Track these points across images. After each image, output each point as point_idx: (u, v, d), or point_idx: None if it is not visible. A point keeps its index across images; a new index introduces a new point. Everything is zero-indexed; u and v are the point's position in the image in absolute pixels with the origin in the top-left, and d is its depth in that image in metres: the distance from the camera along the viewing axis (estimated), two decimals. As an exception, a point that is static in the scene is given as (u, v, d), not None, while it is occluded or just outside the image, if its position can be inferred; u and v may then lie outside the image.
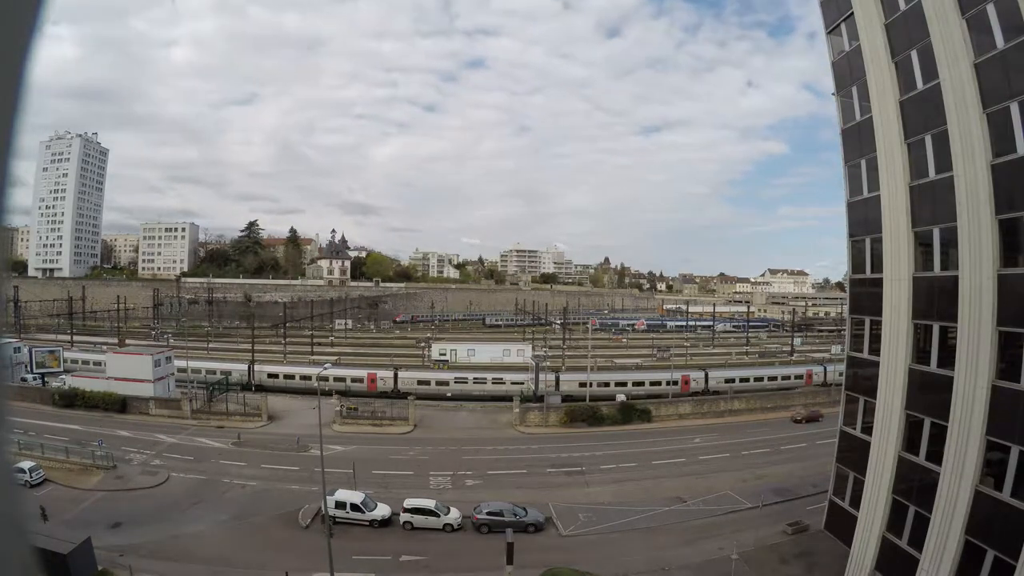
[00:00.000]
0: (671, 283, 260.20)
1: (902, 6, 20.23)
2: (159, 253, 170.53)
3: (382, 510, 29.11)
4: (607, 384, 56.82)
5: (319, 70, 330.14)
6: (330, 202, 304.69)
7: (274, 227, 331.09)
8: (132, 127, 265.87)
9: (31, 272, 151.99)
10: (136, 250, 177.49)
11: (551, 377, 55.49)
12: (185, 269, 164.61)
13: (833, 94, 25.22)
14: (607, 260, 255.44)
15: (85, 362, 60.24)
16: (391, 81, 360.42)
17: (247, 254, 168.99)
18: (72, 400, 48.18)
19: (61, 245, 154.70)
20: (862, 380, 24.37)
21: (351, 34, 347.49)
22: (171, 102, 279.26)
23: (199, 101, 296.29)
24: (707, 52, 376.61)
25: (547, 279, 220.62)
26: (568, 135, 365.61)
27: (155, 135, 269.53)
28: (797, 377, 62.63)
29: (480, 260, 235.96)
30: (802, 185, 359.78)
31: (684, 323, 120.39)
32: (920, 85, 19.82)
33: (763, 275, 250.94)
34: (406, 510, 28.73)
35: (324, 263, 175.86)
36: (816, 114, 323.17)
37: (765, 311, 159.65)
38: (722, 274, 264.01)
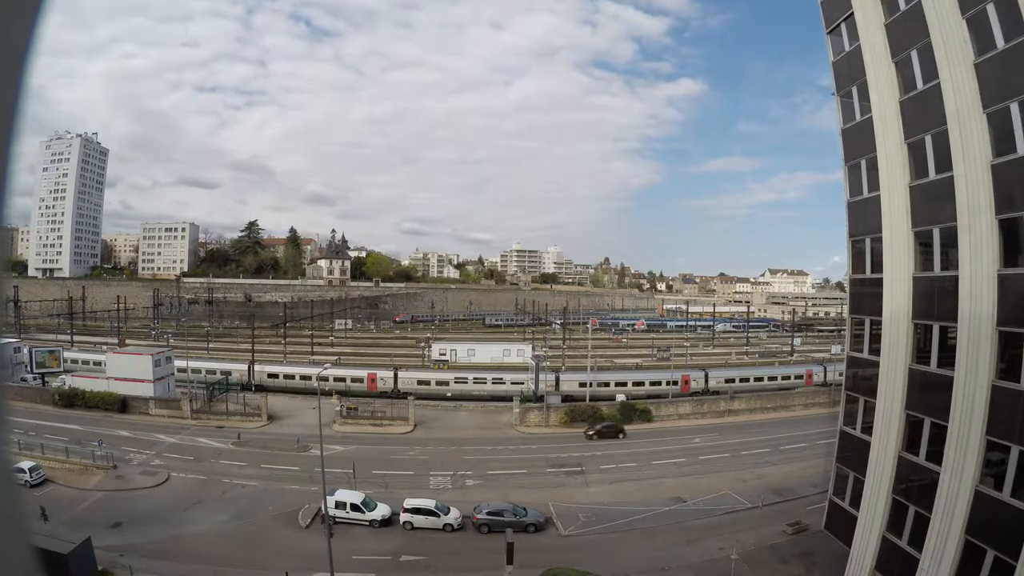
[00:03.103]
0: (671, 283, 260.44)
1: (902, 6, 20.21)
2: (159, 253, 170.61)
3: (382, 510, 29.13)
4: (607, 384, 56.82)
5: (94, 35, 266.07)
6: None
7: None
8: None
9: (31, 272, 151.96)
10: (136, 250, 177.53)
11: (551, 377, 55.44)
12: (185, 269, 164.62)
13: (833, 94, 25.23)
14: (607, 260, 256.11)
15: (85, 362, 60.24)
16: (192, 41, 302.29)
17: (247, 254, 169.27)
18: (72, 400, 48.14)
19: (61, 245, 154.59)
20: (862, 380, 24.35)
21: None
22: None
23: None
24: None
25: (547, 279, 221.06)
26: (420, 92, 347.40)
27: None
28: (797, 377, 62.62)
29: (480, 260, 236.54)
30: (765, 152, 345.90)
31: (684, 323, 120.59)
32: (920, 85, 19.80)
33: (763, 275, 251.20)
34: (406, 510, 28.75)
35: (324, 263, 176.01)
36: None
37: (765, 311, 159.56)
38: (722, 274, 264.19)
